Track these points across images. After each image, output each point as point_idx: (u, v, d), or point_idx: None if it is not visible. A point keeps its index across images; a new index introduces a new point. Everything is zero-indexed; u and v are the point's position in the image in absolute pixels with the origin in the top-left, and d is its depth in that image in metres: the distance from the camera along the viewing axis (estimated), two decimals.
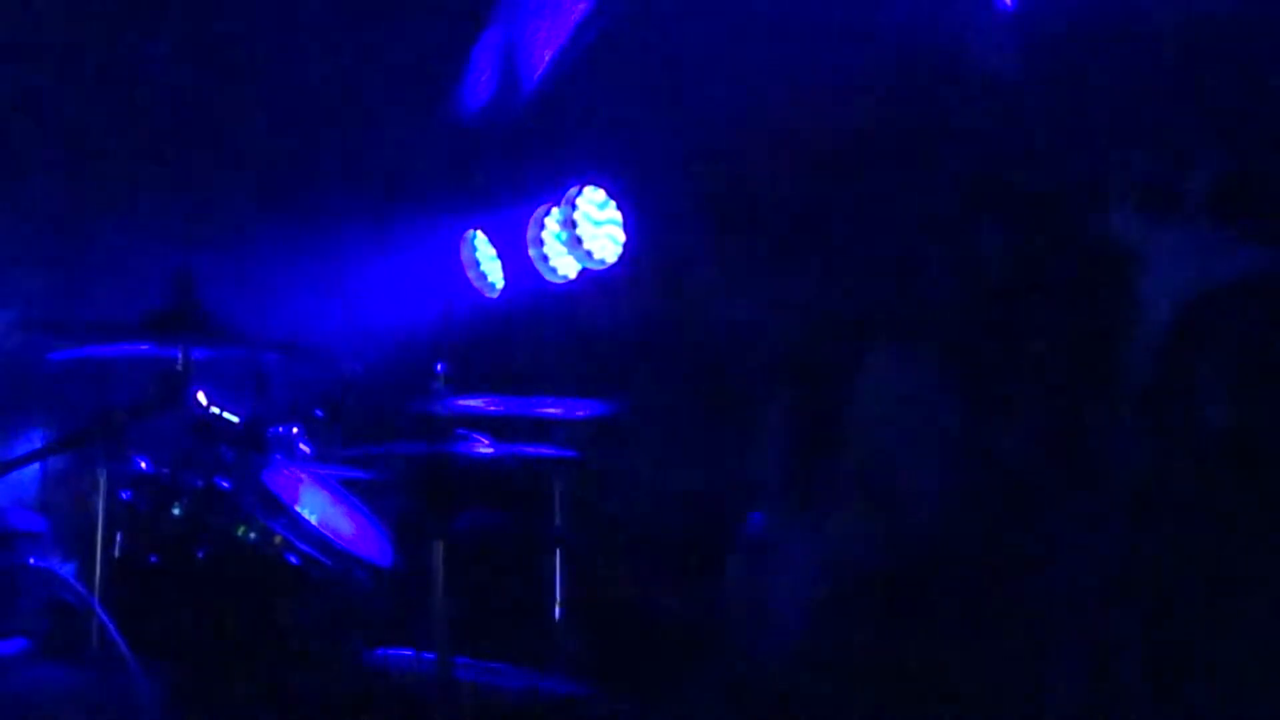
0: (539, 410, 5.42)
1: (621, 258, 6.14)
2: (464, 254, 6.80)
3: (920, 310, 5.08)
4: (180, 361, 4.22)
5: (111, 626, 3.10)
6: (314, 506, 4.99)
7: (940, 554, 4.02)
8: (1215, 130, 4.75)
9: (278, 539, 4.52)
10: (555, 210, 6.40)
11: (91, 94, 6.18)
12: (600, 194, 6.21)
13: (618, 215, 6.17)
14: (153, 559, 4.56)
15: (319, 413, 5.13)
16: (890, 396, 4.10)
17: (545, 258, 6.52)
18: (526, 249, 6.53)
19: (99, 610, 3.20)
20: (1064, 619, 5.06)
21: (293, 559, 4.51)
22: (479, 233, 6.75)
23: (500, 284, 6.71)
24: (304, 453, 5.09)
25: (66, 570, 3.29)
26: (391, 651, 4.35)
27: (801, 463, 4.24)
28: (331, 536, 4.83)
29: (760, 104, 5.57)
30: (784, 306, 5.36)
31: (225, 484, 4.65)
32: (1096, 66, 4.88)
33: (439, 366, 4.23)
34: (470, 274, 6.79)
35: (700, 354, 4.69)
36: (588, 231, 6.27)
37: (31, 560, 3.19)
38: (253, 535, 4.49)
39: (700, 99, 5.76)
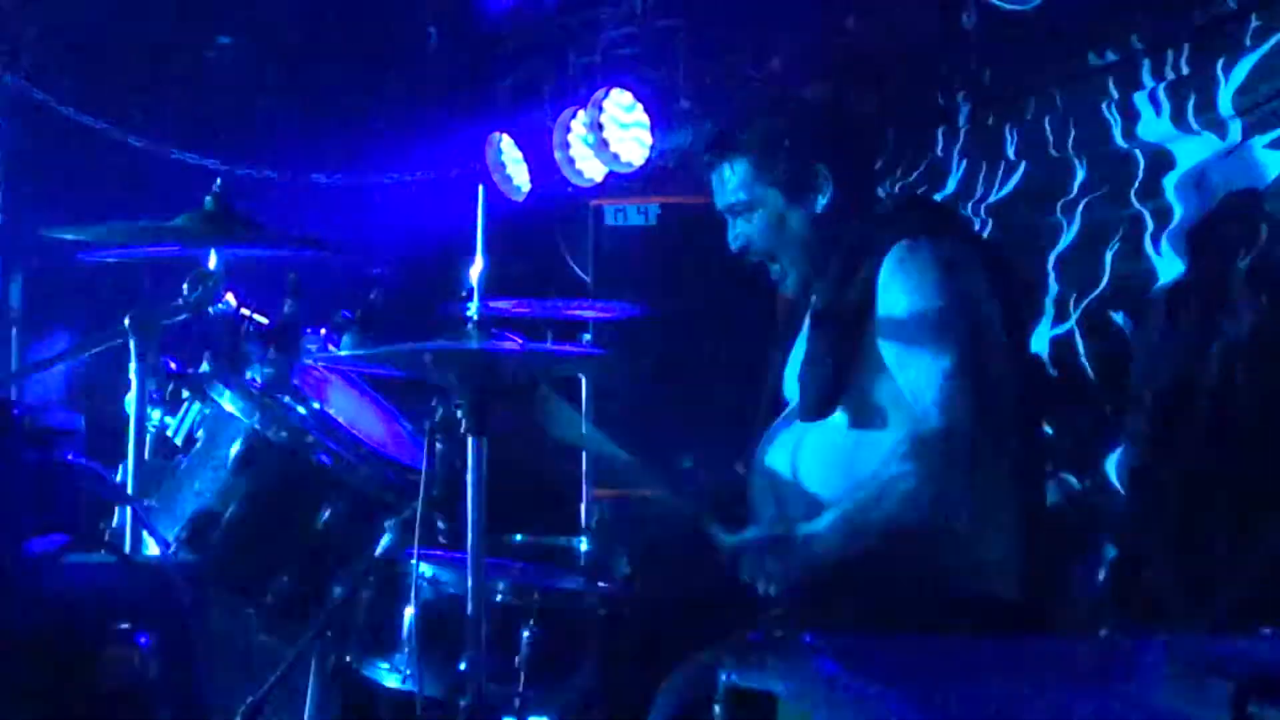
0: (567, 312, 5.44)
1: (648, 160, 6.14)
2: (489, 157, 6.80)
3: (947, 215, 5.08)
4: (214, 261, 4.23)
5: (149, 524, 3.12)
6: (342, 407, 5.01)
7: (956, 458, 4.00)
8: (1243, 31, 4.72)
9: (309, 438, 4.53)
10: (581, 113, 6.39)
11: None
12: (627, 96, 6.20)
13: (644, 118, 6.17)
14: (182, 459, 4.58)
15: (347, 313, 5.12)
16: (912, 291, 4.06)
17: (571, 161, 6.52)
18: (552, 152, 6.53)
19: (137, 507, 3.23)
20: (1086, 526, 5.09)
21: (324, 458, 4.53)
22: (504, 136, 6.74)
23: (526, 187, 6.71)
24: (333, 353, 5.08)
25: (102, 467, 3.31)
26: (422, 551, 4.36)
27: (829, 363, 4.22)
28: (361, 438, 4.85)
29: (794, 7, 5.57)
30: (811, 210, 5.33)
31: (256, 384, 4.66)
32: None
33: (470, 267, 4.23)
34: (495, 177, 6.79)
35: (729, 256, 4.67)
36: (614, 134, 6.27)
37: (70, 456, 3.22)
38: (284, 434, 4.50)
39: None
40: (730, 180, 4.26)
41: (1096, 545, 5.04)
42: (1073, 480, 5.13)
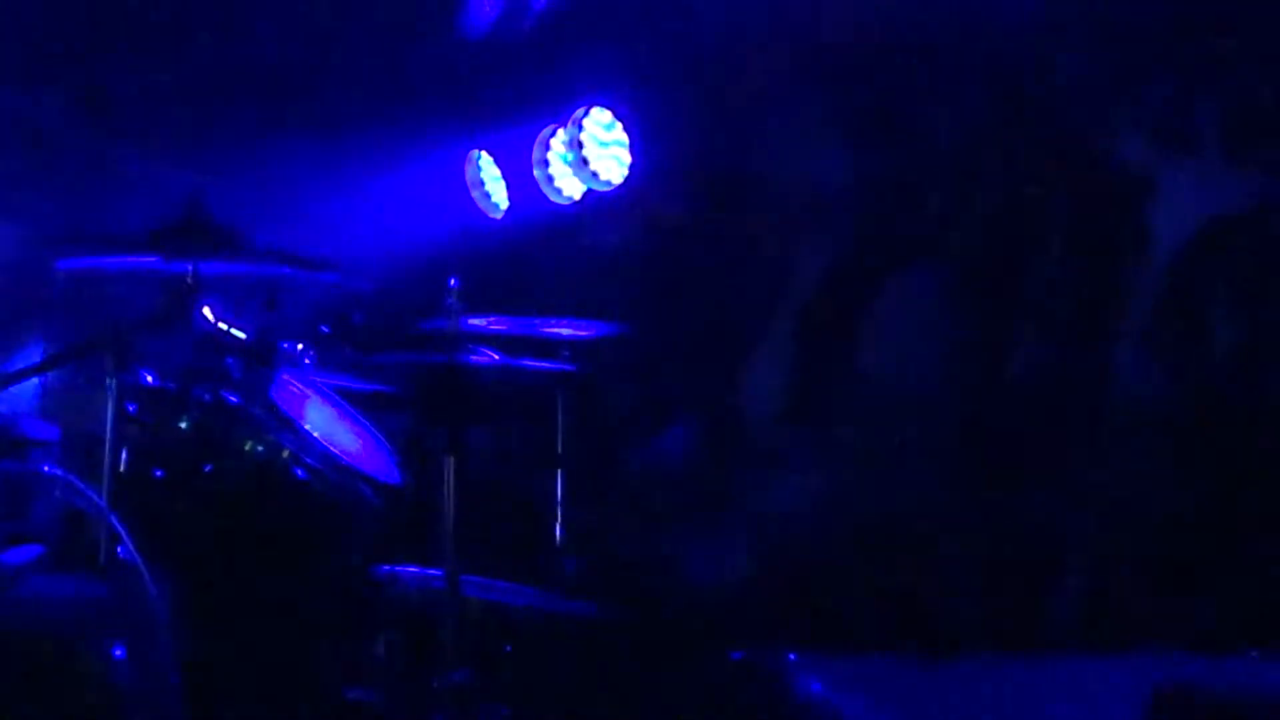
0: (544, 330, 5.43)
1: (627, 179, 6.13)
2: (469, 174, 6.79)
3: (933, 233, 5.10)
4: (190, 275, 4.21)
5: (126, 535, 3.12)
6: (319, 422, 5.00)
7: (949, 474, 4.03)
8: (1226, 62, 4.75)
9: (285, 453, 4.53)
10: (561, 131, 6.38)
11: (97, 10, 6.14)
12: (607, 115, 6.19)
13: (624, 136, 6.16)
14: (158, 472, 4.56)
15: (325, 328, 5.12)
16: (902, 316, 4.10)
17: (550, 178, 6.51)
18: (531, 170, 6.52)
19: (113, 519, 3.22)
20: (1072, 537, 5.10)
21: (300, 473, 4.52)
22: (483, 153, 6.73)
23: (505, 205, 6.70)
24: (310, 368, 5.08)
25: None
26: (397, 568, 4.36)
27: (812, 381, 4.24)
28: (337, 452, 4.84)
29: (771, 18, 5.55)
30: (795, 225, 5.35)
31: (232, 398, 4.64)
32: None
33: (452, 282, 4.23)
34: (474, 194, 6.78)
35: (709, 274, 4.69)
36: (594, 152, 6.26)
37: (45, 468, 3.20)
38: (260, 449, 4.49)
39: (710, 16, 5.75)
40: None
41: (1072, 564, 5.05)
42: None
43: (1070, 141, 5.17)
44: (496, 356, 4.09)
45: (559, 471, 5.52)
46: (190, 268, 4.23)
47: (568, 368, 4.76)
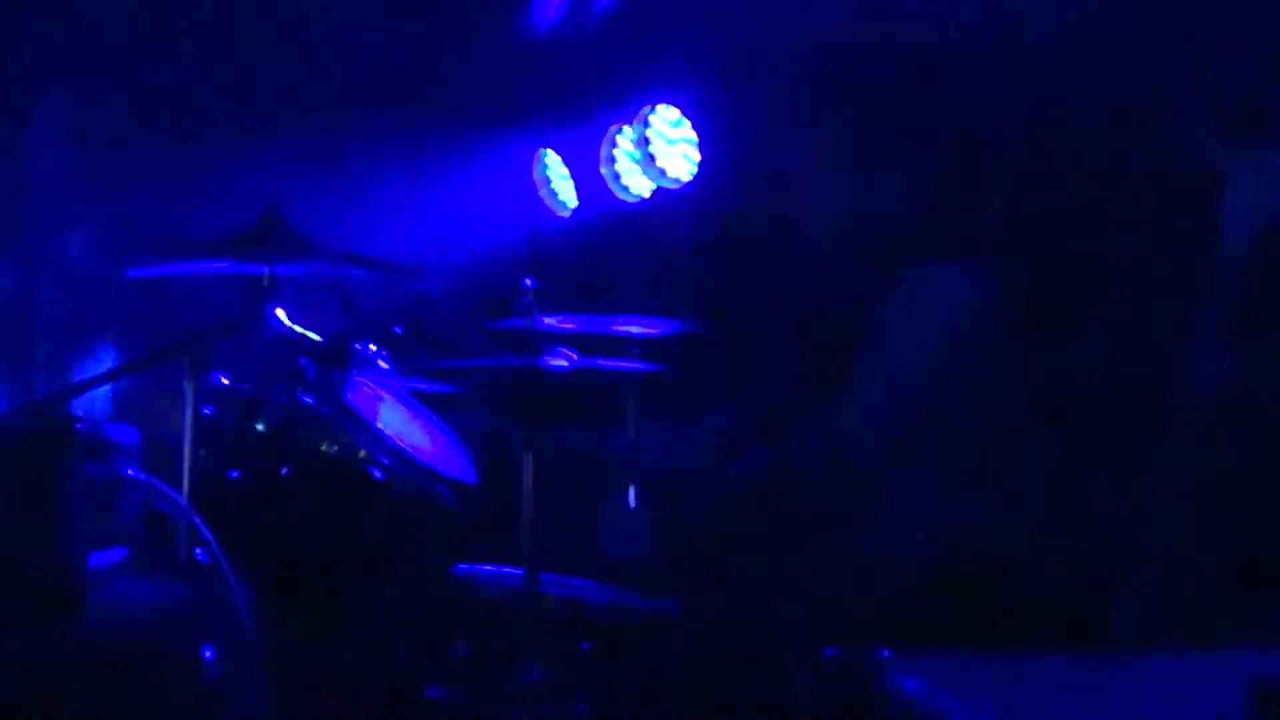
0: (614, 328, 5.43)
1: (696, 176, 6.13)
2: (536, 173, 6.80)
3: (995, 226, 5.07)
4: (266, 278, 4.24)
5: (211, 538, 3.13)
6: (393, 422, 5.02)
7: (1011, 477, 4.02)
8: None
9: (362, 453, 4.54)
10: (628, 129, 6.39)
11: (161, 14, 6.18)
12: (674, 112, 6.19)
13: (692, 134, 6.16)
14: (233, 474, 4.59)
15: (398, 329, 5.14)
16: (958, 311, 4.09)
17: (617, 176, 6.52)
18: (599, 168, 6.52)
19: (198, 522, 3.24)
20: (1147, 537, 5.06)
21: (377, 473, 4.54)
22: (550, 151, 6.75)
23: (572, 203, 6.71)
24: (384, 370, 5.10)
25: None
26: (476, 567, 4.37)
27: (862, 379, 4.24)
28: (412, 452, 4.86)
29: (838, 17, 5.54)
30: (861, 220, 5.33)
31: (308, 399, 4.67)
32: None
33: (528, 282, 4.24)
34: (542, 193, 6.80)
35: (779, 269, 4.68)
36: (661, 150, 6.25)
37: (129, 471, 3.23)
38: (336, 449, 4.51)
39: (777, 14, 5.74)
40: None
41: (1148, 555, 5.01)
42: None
43: (1138, 133, 5.14)
44: (574, 356, 4.09)
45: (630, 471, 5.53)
46: (266, 271, 4.26)
47: (646, 367, 4.75)
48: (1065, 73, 5.23)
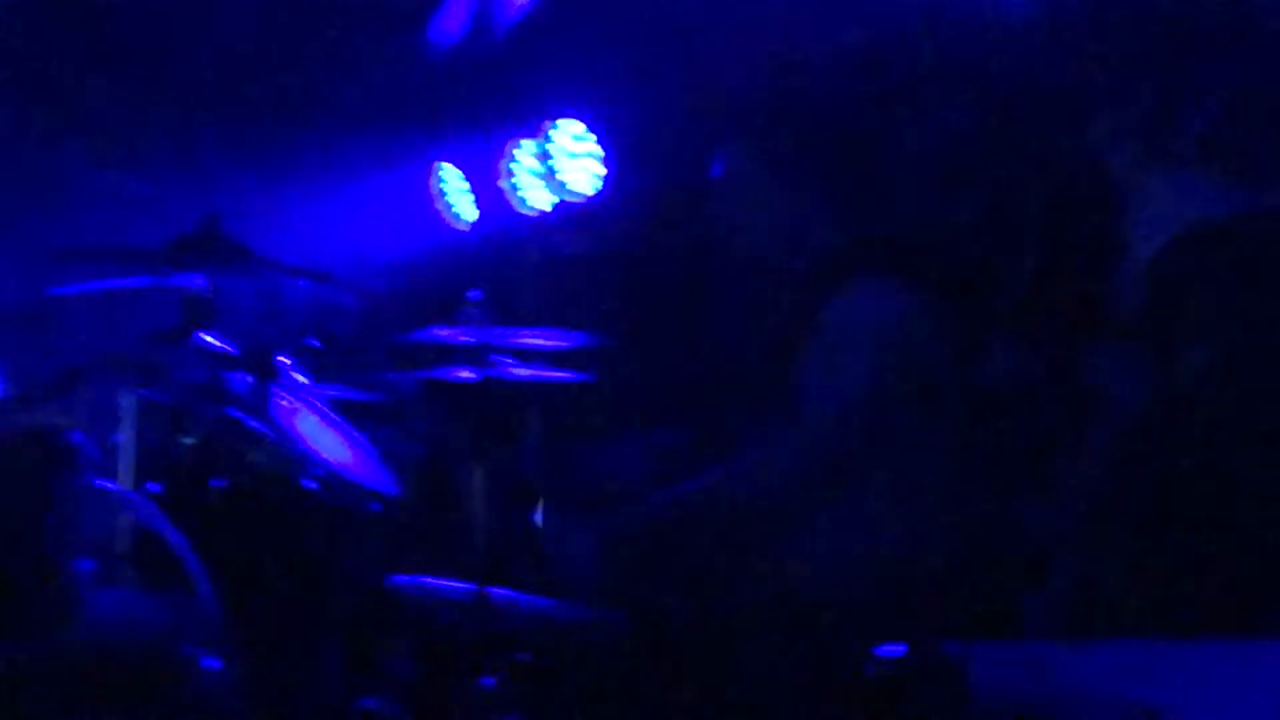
0: (518, 341, 5.44)
1: (600, 190, 6.17)
2: (433, 187, 6.81)
3: (907, 242, 5.16)
4: (207, 289, 4.22)
5: (184, 548, 3.11)
6: (311, 434, 5.00)
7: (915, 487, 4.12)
8: (1210, 71, 4.85)
9: (292, 465, 4.53)
10: (529, 143, 6.41)
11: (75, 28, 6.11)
12: (578, 126, 6.23)
13: (595, 148, 6.20)
14: (153, 488, 4.55)
15: (314, 341, 5.13)
16: (875, 326, 4.18)
17: (517, 190, 6.54)
18: (498, 181, 6.54)
19: (170, 532, 3.22)
20: (1052, 550, 5.19)
21: (310, 484, 4.53)
22: (448, 165, 6.76)
23: (470, 217, 6.73)
24: (300, 382, 5.08)
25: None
26: (411, 578, 4.37)
27: (779, 398, 4.32)
28: (333, 463, 4.85)
29: (744, 28, 5.60)
30: (770, 236, 5.39)
31: (235, 412, 4.64)
32: (1099, 2, 4.98)
33: (472, 294, 4.26)
34: (439, 206, 6.81)
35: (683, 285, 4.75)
36: (564, 164, 6.29)
37: (97, 482, 3.21)
38: (268, 462, 4.50)
39: (683, 25, 5.79)
40: None
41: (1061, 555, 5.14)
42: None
43: (1049, 150, 5.27)
44: (517, 368, 4.12)
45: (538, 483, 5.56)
46: (207, 282, 4.24)
47: (585, 377, 4.78)
48: (978, 85, 5.35)
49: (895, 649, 2.49)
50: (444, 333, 4.47)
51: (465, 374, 4.57)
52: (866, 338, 4.18)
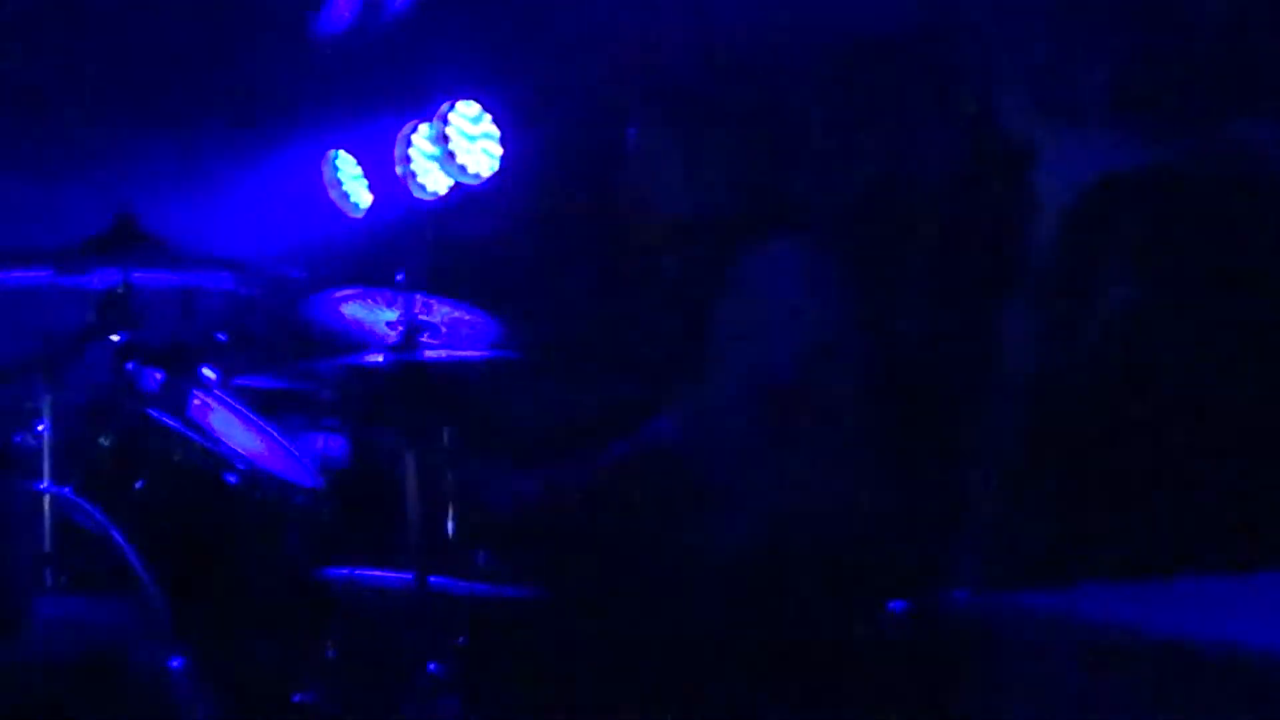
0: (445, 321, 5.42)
1: (498, 171, 6.13)
2: (326, 175, 6.73)
3: (814, 202, 5.19)
4: (121, 286, 4.15)
5: (128, 550, 3.06)
6: (229, 431, 4.95)
7: (835, 445, 4.15)
8: (1113, 26, 4.90)
9: (214, 460, 4.48)
10: (425, 126, 6.35)
11: None
12: (474, 107, 6.18)
13: (493, 129, 6.15)
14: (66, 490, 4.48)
15: (223, 336, 5.06)
16: (783, 288, 4.21)
17: (413, 174, 6.48)
18: (394, 167, 6.47)
19: (114, 534, 3.16)
20: (963, 505, 5.24)
21: (231, 479, 4.48)
22: (341, 152, 6.68)
23: (365, 203, 6.65)
24: (211, 378, 5.02)
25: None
26: (342, 569, 4.34)
27: (692, 361, 4.33)
28: (253, 459, 4.80)
29: (643, 5, 5.59)
30: (672, 205, 5.38)
31: (153, 410, 4.58)
32: None
33: (399, 276, 4.22)
34: (333, 194, 6.73)
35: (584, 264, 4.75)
36: (461, 146, 6.23)
37: (37, 485, 3.14)
38: (188, 459, 4.44)
39: (580, 6, 5.77)
40: None
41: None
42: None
43: (950, 107, 5.31)
44: (446, 350, 4.09)
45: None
46: (121, 278, 4.17)
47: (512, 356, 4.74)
48: (880, 48, 5.37)
49: (899, 603, 2.50)
50: (359, 317, 4.44)
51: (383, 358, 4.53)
52: (776, 299, 4.20)
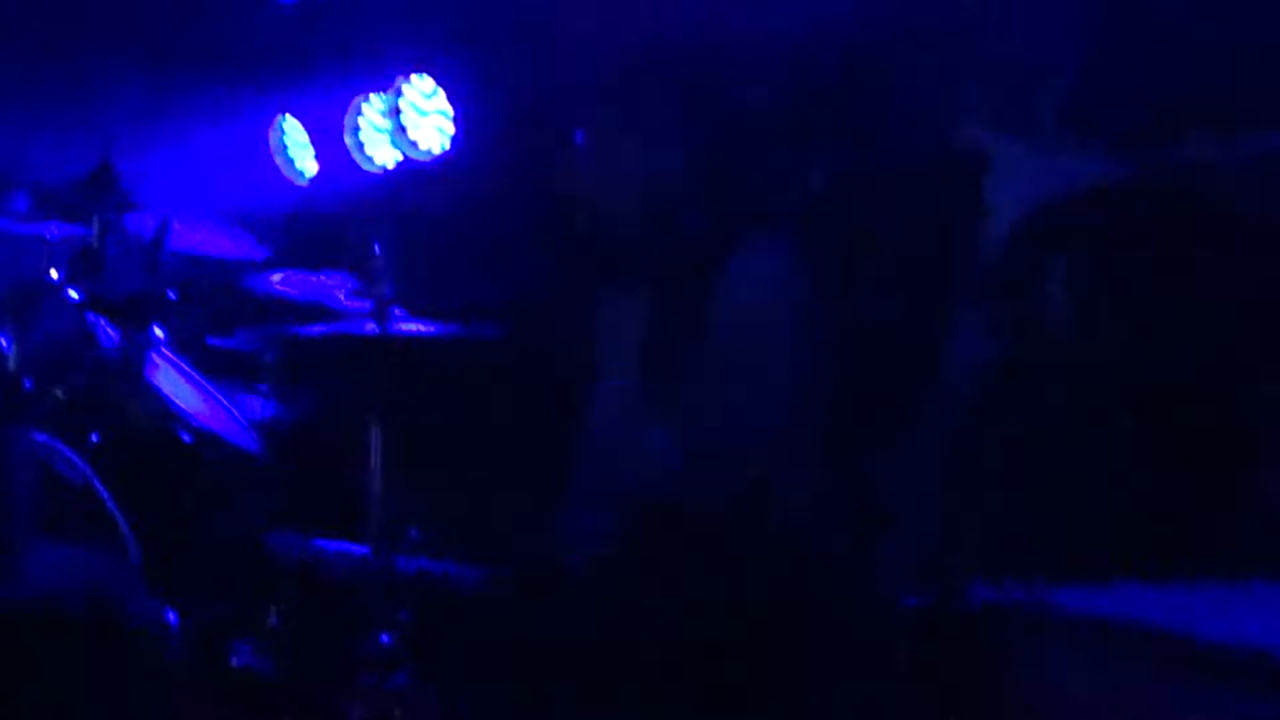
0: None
1: (450, 148, 6.13)
2: (272, 140, 6.69)
3: (782, 202, 5.24)
4: (96, 236, 4.12)
5: (108, 499, 3.05)
6: (174, 390, 4.93)
7: (791, 436, 4.22)
8: (1068, 43, 5.00)
9: (169, 418, 4.46)
10: (376, 97, 6.34)
11: None
12: (429, 82, 6.17)
13: (446, 105, 6.15)
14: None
15: (172, 294, 5.04)
16: (750, 282, 4.28)
17: (361, 145, 6.46)
18: (342, 136, 6.46)
19: (95, 482, 3.14)
20: (907, 504, 5.32)
21: (186, 437, 4.46)
22: (289, 118, 6.65)
23: (310, 171, 6.63)
24: (159, 336, 4.99)
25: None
26: (291, 537, 4.34)
27: (659, 346, 4.38)
28: (190, 413, 4.79)
29: None
30: (640, 192, 5.42)
31: (109, 364, 4.55)
32: None
33: (375, 248, 4.23)
34: (278, 160, 6.69)
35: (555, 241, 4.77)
36: (413, 120, 6.22)
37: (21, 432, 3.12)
38: (145, 414, 4.42)
39: None
40: None
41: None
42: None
43: (907, 116, 5.38)
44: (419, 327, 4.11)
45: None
46: (95, 229, 4.14)
47: (490, 334, 4.76)
48: (844, 52, 5.43)
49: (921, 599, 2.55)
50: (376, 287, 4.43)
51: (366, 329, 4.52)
52: (733, 293, 4.25)
